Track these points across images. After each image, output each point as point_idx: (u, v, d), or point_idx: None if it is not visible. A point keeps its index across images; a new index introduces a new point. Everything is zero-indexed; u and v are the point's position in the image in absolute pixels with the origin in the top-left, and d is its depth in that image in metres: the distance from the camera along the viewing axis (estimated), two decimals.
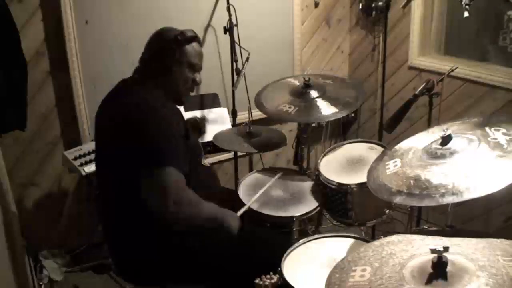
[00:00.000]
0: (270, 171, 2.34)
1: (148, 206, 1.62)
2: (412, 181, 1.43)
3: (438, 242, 1.24)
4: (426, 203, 1.35)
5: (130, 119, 1.70)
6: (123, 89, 1.82)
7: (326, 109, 2.22)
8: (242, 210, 1.92)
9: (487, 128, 1.51)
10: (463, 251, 1.20)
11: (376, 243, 1.35)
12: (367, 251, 1.32)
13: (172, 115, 1.75)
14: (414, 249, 1.26)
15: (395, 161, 1.61)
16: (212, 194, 1.91)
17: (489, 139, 1.45)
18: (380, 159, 1.72)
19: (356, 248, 1.64)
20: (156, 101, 1.74)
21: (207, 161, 1.98)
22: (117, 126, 1.72)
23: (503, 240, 1.23)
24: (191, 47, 1.81)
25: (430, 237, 1.32)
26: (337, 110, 2.20)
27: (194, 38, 1.83)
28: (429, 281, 1.12)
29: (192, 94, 2.96)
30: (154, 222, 1.67)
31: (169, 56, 1.78)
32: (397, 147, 1.72)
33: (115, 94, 1.83)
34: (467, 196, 1.29)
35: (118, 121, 1.72)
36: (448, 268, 1.12)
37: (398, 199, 1.42)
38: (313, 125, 2.40)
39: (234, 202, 2.06)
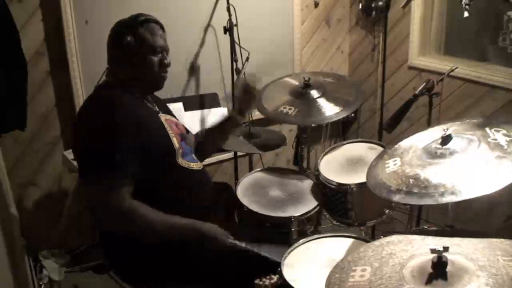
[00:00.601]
0: (270, 171, 2.34)
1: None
2: (411, 180, 1.43)
3: (438, 242, 1.24)
4: (425, 202, 1.36)
5: (75, 126, 1.81)
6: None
7: (329, 110, 2.21)
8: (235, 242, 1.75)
9: (487, 129, 1.51)
10: (463, 251, 1.20)
11: (376, 243, 1.35)
12: (367, 251, 1.32)
13: (119, 117, 1.66)
14: (414, 249, 1.26)
15: (395, 160, 1.61)
16: (205, 195, 1.91)
17: (489, 139, 1.45)
18: (380, 157, 1.72)
19: (355, 248, 1.64)
20: (102, 104, 1.72)
21: (195, 164, 1.91)
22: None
23: (503, 240, 1.23)
24: (145, 29, 1.75)
25: (430, 237, 1.32)
26: (339, 109, 2.19)
27: (146, 20, 1.78)
28: (429, 281, 1.12)
29: (192, 94, 3.02)
30: None
31: (124, 44, 1.73)
32: (397, 146, 1.72)
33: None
34: (466, 196, 1.29)
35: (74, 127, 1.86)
36: (448, 268, 1.12)
37: (397, 198, 1.42)
38: (313, 125, 2.38)
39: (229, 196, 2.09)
